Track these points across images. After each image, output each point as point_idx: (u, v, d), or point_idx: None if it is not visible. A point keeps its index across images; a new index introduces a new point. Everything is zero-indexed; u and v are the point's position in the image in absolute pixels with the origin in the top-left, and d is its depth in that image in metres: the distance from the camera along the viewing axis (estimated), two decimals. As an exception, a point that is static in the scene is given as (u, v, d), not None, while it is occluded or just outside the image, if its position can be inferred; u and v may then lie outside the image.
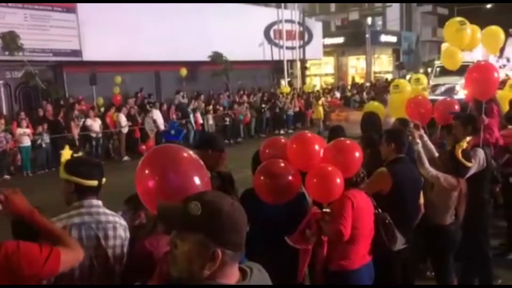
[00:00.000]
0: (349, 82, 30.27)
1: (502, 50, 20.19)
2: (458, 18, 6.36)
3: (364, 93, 22.16)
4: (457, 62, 6.50)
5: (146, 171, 2.03)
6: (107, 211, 2.44)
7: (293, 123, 19.56)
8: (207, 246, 1.34)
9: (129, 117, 14.56)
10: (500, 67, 19.62)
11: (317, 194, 3.18)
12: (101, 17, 16.75)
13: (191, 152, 2.13)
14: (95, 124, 13.79)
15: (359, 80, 30.63)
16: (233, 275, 1.40)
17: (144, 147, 14.33)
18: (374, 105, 7.01)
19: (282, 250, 3.15)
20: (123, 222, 2.48)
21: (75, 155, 2.63)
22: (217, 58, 20.10)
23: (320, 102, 19.02)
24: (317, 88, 28.45)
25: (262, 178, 3.08)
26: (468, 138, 3.94)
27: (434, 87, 16.83)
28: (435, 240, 3.98)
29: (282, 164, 3.14)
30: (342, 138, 3.53)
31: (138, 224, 2.67)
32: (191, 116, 15.83)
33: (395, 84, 6.89)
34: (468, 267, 4.53)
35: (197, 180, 2.00)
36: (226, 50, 20.13)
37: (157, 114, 14.81)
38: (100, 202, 2.44)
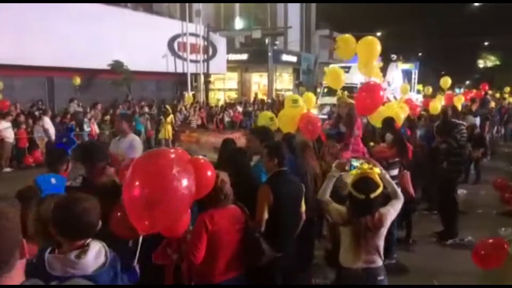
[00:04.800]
0: (252, 98, 31.04)
1: (384, 74, 22.03)
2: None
3: (264, 109, 22.85)
4: (341, 82, 7.02)
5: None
6: None
7: (195, 136, 19.44)
8: None
9: (15, 124, 13.46)
10: (381, 90, 21.46)
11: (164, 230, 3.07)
12: (-13, 16, 15.39)
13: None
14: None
15: (261, 97, 31.53)
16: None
17: (31, 159, 13.34)
18: (267, 114, 7.29)
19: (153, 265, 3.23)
20: None
21: None
22: (117, 66, 19.43)
23: (168, 119, 16.20)
24: (221, 102, 28.77)
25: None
26: (366, 166, 3.39)
27: (321, 106, 17.85)
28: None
29: None
30: (200, 156, 3.46)
31: None
32: (86, 126, 15.06)
33: (295, 99, 7.11)
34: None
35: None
36: (128, 59, 19.55)
37: (48, 123, 13.86)
38: None
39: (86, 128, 15.02)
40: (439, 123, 7.26)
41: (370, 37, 6.92)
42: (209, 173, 3.15)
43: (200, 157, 3.45)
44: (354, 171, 3.36)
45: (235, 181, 3.54)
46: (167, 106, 18.84)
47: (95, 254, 2.09)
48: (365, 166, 3.33)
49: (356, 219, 3.23)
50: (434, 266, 5.91)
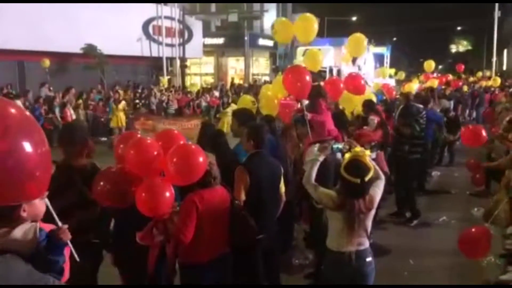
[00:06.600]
0: (229, 82, 30.83)
1: (354, 58, 21.95)
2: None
3: (241, 93, 22.74)
4: (318, 64, 7.01)
5: None
6: None
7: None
8: None
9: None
10: (352, 75, 21.36)
11: (145, 209, 3.05)
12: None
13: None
14: None
15: (238, 81, 31.35)
16: None
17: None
18: (246, 99, 7.25)
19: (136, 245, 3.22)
20: None
21: None
22: (90, 50, 18.97)
23: (120, 106, 14.97)
24: (198, 87, 28.47)
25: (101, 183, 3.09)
26: (357, 148, 3.32)
27: None
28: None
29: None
30: (189, 143, 3.44)
31: None
32: (57, 110, 14.67)
33: None
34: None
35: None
36: (101, 43, 19.08)
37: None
38: None
39: (58, 112, 14.67)
40: (402, 108, 7.28)
41: (308, 14, 6.86)
42: (200, 159, 3.10)
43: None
44: (347, 154, 3.27)
45: (218, 162, 3.57)
46: (119, 91, 17.55)
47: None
48: (358, 149, 3.28)
49: (349, 203, 3.17)
50: (409, 245, 6.05)
